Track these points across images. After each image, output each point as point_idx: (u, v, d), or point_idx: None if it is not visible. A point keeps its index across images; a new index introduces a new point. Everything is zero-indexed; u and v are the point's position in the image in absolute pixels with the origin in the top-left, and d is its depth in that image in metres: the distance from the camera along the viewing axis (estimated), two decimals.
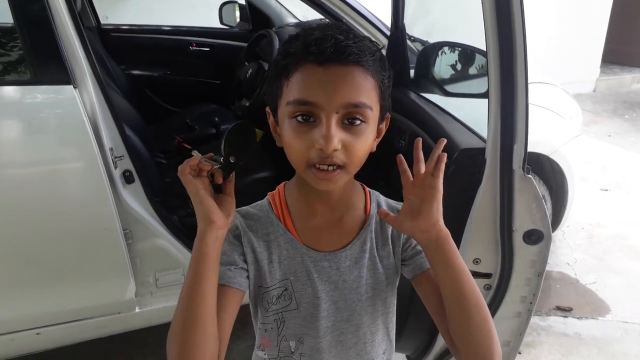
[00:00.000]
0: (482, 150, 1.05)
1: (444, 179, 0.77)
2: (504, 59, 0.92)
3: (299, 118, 0.73)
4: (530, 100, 2.24)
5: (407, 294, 1.41)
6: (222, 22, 3.24)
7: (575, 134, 2.36)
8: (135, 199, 1.71)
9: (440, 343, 1.34)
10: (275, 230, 0.86)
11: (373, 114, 0.75)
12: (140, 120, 2.42)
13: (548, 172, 2.43)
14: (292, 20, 3.24)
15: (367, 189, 0.93)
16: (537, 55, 4.89)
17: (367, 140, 0.75)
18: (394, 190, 1.58)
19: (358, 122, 0.73)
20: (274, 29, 3.23)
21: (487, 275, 1.17)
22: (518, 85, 0.92)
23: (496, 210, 1.07)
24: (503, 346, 1.25)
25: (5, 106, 1.49)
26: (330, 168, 0.74)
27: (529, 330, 2.24)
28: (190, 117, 2.84)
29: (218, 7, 3.25)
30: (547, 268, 2.63)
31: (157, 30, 3.22)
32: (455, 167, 1.17)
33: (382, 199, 0.93)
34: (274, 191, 0.91)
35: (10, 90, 1.51)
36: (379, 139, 0.83)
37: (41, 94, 1.49)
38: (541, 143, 2.21)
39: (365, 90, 0.73)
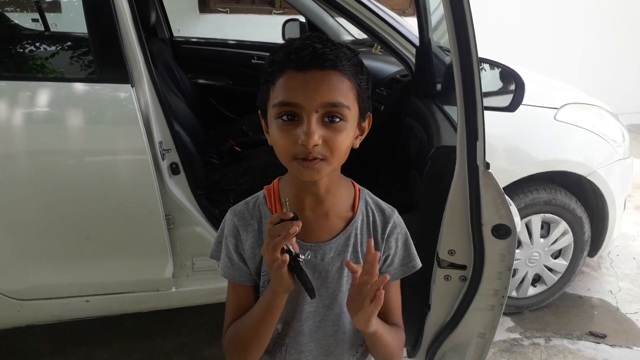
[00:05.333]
0: (454, 148, 1.13)
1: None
2: (465, 74, 1.08)
3: (284, 117, 0.81)
4: (569, 120, 2.24)
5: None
6: (284, 38, 3.47)
7: (619, 157, 2.30)
8: (180, 189, 1.91)
9: (428, 337, 1.40)
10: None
11: (351, 113, 0.82)
12: (195, 123, 2.66)
13: (589, 194, 2.39)
14: (347, 38, 3.41)
15: (358, 186, 0.99)
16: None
17: (347, 136, 0.83)
18: (409, 193, 1.68)
19: (337, 119, 0.80)
20: None
21: (462, 267, 1.23)
22: (476, 89, 1.03)
23: (467, 204, 1.14)
24: (478, 338, 1.29)
25: (75, 100, 1.73)
26: (311, 157, 0.80)
27: (554, 352, 2.21)
28: (246, 124, 3.06)
29: (280, 25, 3.50)
30: (587, 294, 2.58)
31: (222, 43, 3.50)
32: (431, 163, 1.25)
33: (371, 199, 0.99)
34: (270, 185, 0.98)
35: (80, 87, 1.76)
36: (363, 137, 0.90)
37: (104, 91, 1.73)
38: (576, 163, 2.20)
39: (342, 92, 0.80)
